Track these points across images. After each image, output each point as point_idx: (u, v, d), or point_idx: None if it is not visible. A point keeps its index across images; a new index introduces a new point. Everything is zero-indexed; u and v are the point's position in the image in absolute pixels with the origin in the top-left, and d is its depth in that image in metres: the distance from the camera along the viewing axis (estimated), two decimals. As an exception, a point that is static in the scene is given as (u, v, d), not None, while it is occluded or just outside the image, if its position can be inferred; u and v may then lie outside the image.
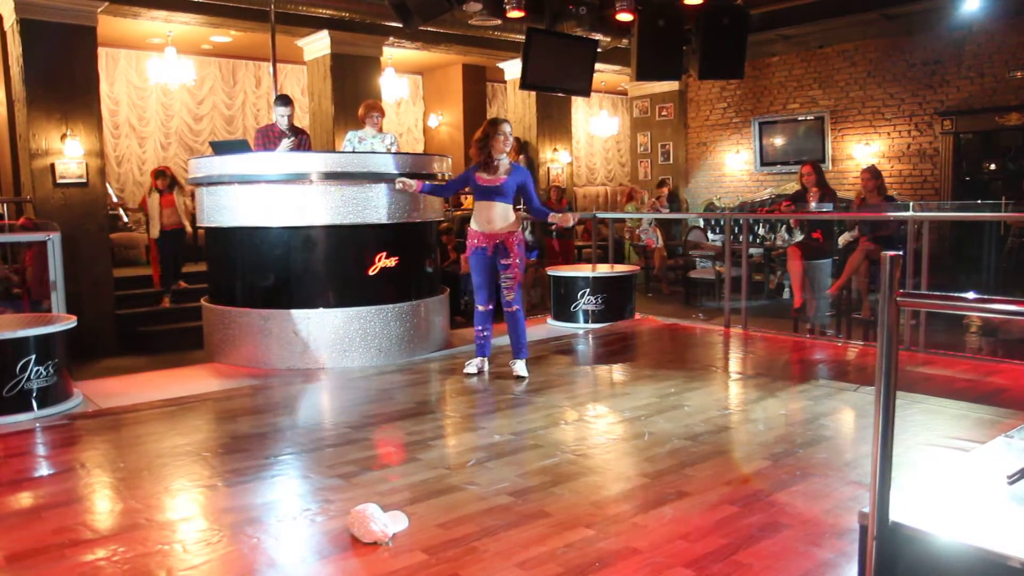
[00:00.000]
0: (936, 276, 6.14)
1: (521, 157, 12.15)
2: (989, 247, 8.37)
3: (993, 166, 10.13)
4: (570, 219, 5.34)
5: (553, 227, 11.28)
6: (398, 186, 5.41)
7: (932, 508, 1.96)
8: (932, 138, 10.42)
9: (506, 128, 5.12)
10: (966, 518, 1.88)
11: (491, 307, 5.25)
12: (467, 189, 5.51)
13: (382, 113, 6.54)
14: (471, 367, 5.26)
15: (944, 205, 9.83)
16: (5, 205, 9.10)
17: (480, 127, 5.22)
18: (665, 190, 12.70)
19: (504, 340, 5.37)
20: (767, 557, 2.54)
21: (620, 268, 7.58)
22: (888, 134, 10.84)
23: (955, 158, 10.21)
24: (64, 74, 8.18)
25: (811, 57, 11.54)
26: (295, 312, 5.53)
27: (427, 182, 5.45)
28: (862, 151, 11.03)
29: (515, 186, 5.12)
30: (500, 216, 5.09)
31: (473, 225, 5.20)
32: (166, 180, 9.42)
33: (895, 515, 1.88)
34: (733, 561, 2.52)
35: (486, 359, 5.31)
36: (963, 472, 2.23)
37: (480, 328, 5.27)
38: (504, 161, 5.13)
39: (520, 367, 5.16)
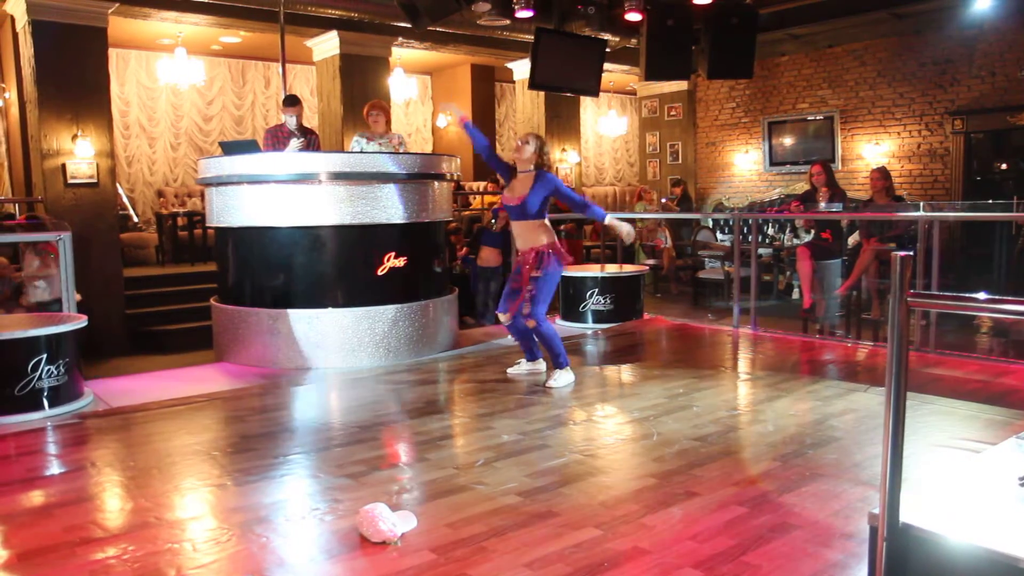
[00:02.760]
0: (947, 276, 6.10)
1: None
2: (1000, 247, 8.32)
3: (1004, 166, 10.07)
4: (626, 235, 4.99)
5: (562, 227, 11.26)
6: (446, 108, 5.10)
7: (943, 509, 1.95)
8: (943, 138, 10.36)
9: (525, 138, 4.92)
10: (977, 519, 1.87)
11: (508, 317, 4.97)
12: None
13: (383, 111, 6.50)
14: (511, 369, 5.24)
15: (955, 205, 9.78)
16: (17, 205, 9.16)
17: (488, 126, 5.11)
18: (679, 190, 12.71)
19: (507, 340, 5.33)
20: (776, 558, 2.54)
21: (628, 268, 7.57)
22: (898, 134, 10.79)
23: (966, 158, 10.15)
24: (75, 75, 8.23)
25: (820, 56, 11.49)
26: (304, 312, 5.54)
27: (470, 123, 5.10)
28: (872, 151, 10.98)
29: (539, 201, 4.83)
30: (521, 235, 4.95)
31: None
32: None
33: (905, 516, 1.87)
34: (742, 562, 2.51)
35: (529, 363, 5.19)
36: (974, 473, 2.22)
37: (515, 338, 5.24)
38: (527, 174, 4.90)
39: (552, 378, 4.90)
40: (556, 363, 4.96)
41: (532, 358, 5.19)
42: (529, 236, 4.91)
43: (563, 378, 4.92)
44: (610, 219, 4.91)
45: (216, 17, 9.34)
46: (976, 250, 8.96)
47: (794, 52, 11.68)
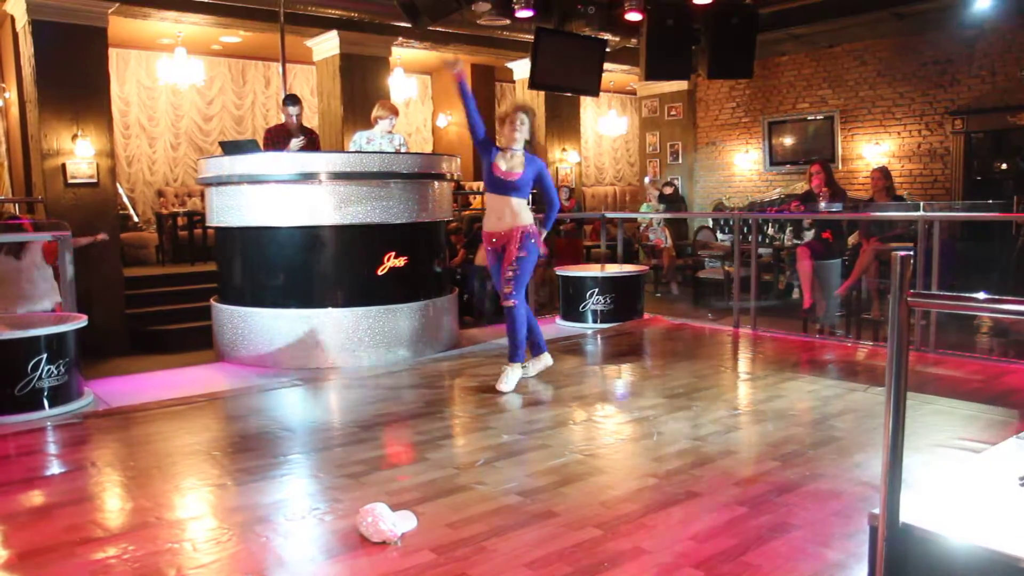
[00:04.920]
0: (947, 276, 6.10)
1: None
2: (1001, 247, 8.32)
3: (1004, 165, 10.07)
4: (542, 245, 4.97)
5: (562, 227, 11.28)
6: (451, 59, 4.81)
7: (943, 509, 1.95)
8: (943, 137, 10.36)
9: (522, 116, 4.79)
10: (977, 519, 1.87)
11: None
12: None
13: (396, 114, 6.48)
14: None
15: (955, 205, 9.78)
16: (17, 205, 9.16)
17: (488, 126, 4.93)
18: (670, 190, 12.77)
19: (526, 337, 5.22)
20: (776, 558, 2.54)
21: (629, 268, 7.57)
22: (898, 134, 10.79)
23: (966, 158, 10.15)
24: (75, 75, 8.23)
25: (821, 56, 11.49)
26: (304, 312, 5.54)
27: (467, 84, 4.78)
28: (872, 151, 10.98)
29: (531, 180, 4.82)
30: (503, 212, 4.82)
31: (485, 225, 4.93)
32: None
33: (905, 516, 1.87)
34: (742, 562, 2.51)
35: (536, 357, 5.08)
36: (974, 473, 2.22)
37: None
38: (519, 153, 4.80)
39: (504, 379, 4.78)
40: (512, 355, 4.84)
41: (537, 352, 5.10)
42: (511, 213, 4.79)
43: (512, 377, 4.80)
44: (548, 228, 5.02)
45: (216, 17, 9.34)
46: (976, 250, 8.95)
47: (794, 52, 11.67)
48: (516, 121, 4.80)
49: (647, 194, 12.44)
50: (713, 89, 12.91)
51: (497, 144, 4.87)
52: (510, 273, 4.80)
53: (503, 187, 4.81)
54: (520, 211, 4.83)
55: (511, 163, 4.80)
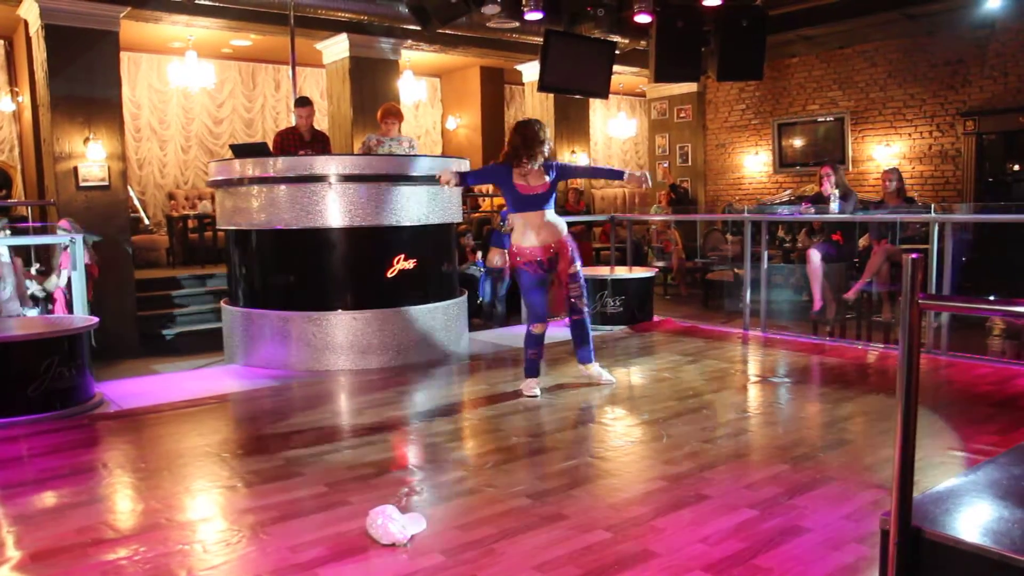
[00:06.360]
0: (959, 279, 6.07)
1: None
2: (1013, 249, 8.27)
3: (1017, 167, 10.01)
4: (644, 179, 4.86)
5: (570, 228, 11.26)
6: (443, 181, 4.78)
7: (955, 513, 1.94)
8: (954, 139, 10.31)
9: (542, 136, 4.66)
10: (989, 523, 1.86)
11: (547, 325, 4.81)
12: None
13: (399, 118, 6.50)
14: (535, 390, 4.73)
15: (966, 207, 9.72)
16: (30, 208, 9.23)
17: (513, 129, 4.69)
18: (684, 186, 12.86)
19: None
20: (787, 561, 2.52)
21: (639, 270, 7.56)
22: (909, 135, 10.74)
23: (978, 159, 10.09)
24: (87, 78, 8.29)
25: (831, 58, 11.45)
26: (314, 314, 5.56)
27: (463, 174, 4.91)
28: (883, 152, 10.93)
29: (556, 183, 4.74)
30: (549, 223, 4.69)
31: (520, 242, 4.68)
32: None
33: (917, 520, 1.86)
34: (752, 565, 2.50)
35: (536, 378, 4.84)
36: (986, 477, 2.20)
37: (535, 351, 4.78)
38: (537, 163, 4.68)
39: (606, 373, 5.00)
40: (592, 355, 4.96)
41: (538, 374, 4.86)
42: (552, 227, 4.70)
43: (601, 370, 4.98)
44: (628, 174, 4.86)
45: (226, 20, 9.39)
46: (989, 252, 8.90)
47: (804, 53, 11.64)
48: (539, 143, 4.65)
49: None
50: (723, 91, 12.89)
51: (521, 161, 4.65)
52: (578, 289, 4.79)
53: (533, 203, 4.66)
54: (557, 221, 4.75)
55: (532, 176, 4.67)
